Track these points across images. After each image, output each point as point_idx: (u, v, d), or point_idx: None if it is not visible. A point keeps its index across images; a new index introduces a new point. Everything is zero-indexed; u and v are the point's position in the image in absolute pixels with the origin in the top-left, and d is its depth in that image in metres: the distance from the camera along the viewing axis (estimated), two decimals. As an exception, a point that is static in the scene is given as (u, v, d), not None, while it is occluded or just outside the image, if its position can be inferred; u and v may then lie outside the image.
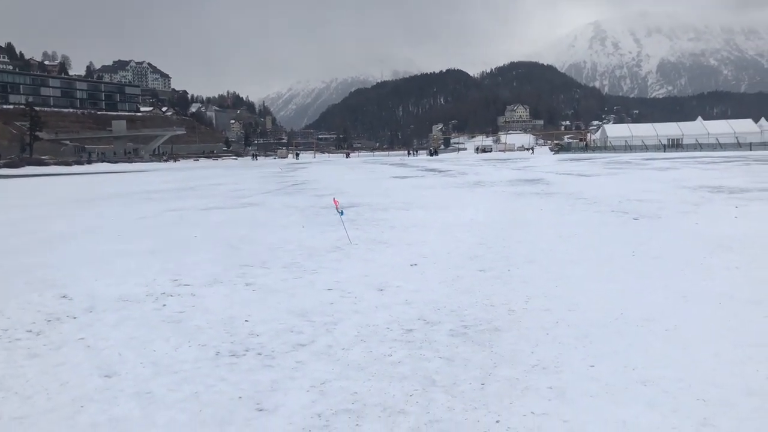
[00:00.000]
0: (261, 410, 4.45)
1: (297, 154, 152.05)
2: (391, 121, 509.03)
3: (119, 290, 8.35)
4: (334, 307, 7.21)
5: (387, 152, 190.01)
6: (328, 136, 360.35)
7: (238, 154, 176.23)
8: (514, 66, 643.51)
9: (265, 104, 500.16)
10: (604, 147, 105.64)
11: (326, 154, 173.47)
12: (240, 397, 4.67)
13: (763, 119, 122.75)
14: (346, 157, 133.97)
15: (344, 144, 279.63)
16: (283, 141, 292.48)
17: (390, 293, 7.83)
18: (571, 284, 8.01)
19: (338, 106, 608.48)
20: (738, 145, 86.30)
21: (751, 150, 75.70)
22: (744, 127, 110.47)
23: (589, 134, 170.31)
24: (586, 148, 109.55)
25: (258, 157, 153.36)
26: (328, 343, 5.89)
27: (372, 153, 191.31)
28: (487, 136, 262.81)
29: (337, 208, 12.79)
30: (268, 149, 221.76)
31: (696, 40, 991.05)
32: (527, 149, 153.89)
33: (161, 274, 9.38)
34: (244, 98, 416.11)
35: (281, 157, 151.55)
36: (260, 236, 13.24)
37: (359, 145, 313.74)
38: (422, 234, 12.96)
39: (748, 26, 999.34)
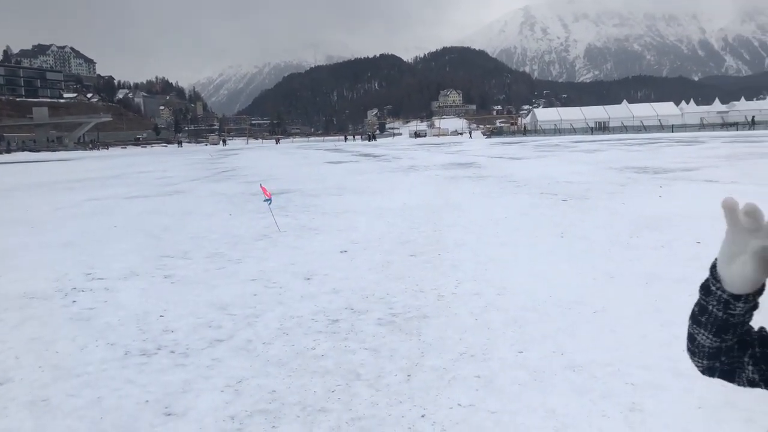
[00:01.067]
0: (169, 414, 4.10)
1: (224, 140, 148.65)
2: (326, 106, 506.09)
3: (25, 286, 7.76)
4: (257, 299, 6.87)
5: (322, 138, 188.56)
6: (262, 121, 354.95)
7: (168, 141, 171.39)
8: (446, 51, 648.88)
9: (196, 90, 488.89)
10: (535, 130, 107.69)
11: (260, 140, 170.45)
12: (147, 401, 4.31)
13: (683, 102, 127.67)
14: (276, 143, 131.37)
15: (278, 130, 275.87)
16: (215, 127, 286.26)
17: (317, 282, 7.54)
18: (501, 267, 7.91)
19: (272, 92, 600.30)
20: (661, 127, 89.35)
21: (672, 132, 78.49)
22: (666, 110, 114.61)
23: (520, 118, 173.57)
24: (522, 132, 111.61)
25: (183, 144, 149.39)
26: (247, 338, 5.56)
27: (307, 139, 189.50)
28: (422, 121, 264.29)
29: (265, 195, 12.36)
30: (199, 136, 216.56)
31: (621, 26, 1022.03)
32: (460, 133, 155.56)
33: (74, 268, 8.80)
34: (174, 84, 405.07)
35: (212, 144, 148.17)
36: (184, 225, 12.69)
37: (297, 130, 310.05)
38: (354, 220, 12.69)
39: (669, 13, 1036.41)
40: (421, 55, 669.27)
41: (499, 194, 16.16)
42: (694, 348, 1.19)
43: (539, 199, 14.77)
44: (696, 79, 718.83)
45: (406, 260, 8.63)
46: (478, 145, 64.07)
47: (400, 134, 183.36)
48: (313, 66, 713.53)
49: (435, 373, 4.59)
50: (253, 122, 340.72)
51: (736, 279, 1.05)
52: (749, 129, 73.82)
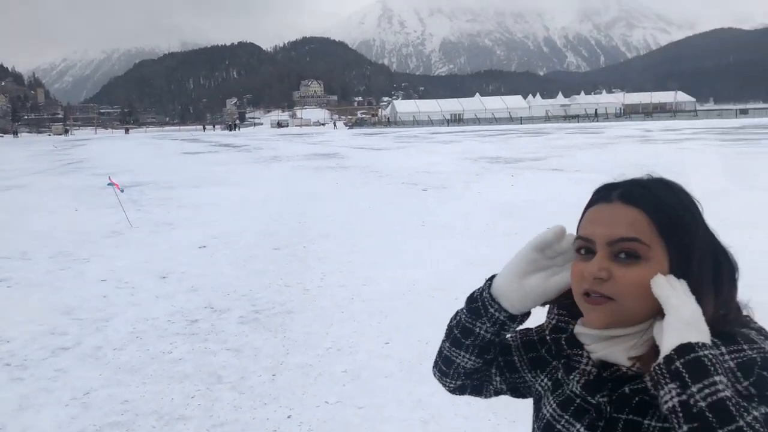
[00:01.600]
0: (3, 437, 3.66)
1: (66, 130, 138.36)
2: (182, 94, 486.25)
3: None
4: (106, 301, 6.37)
5: (179, 127, 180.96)
6: (112, 110, 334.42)
7: (5, 131, 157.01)
8: (306, 41, 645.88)
9: (36, 75, 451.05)
10: (395, 122, 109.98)
11: (110, 131, 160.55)
12: (-24, 424, 3.82)
13: (530, 96, 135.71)
14: (125, 133, 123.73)
15: (130, 119, 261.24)
16: (59, 116, 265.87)
17: (173, 280, 7.13)
18: (366, 257, 7.90)
19: (122, 79, 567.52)
20: (510, 119, 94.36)
21: (521, 123, 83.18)
22: (515, 102, 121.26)
23: (380, 110, 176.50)
24: (384, 123, 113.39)
25: (22, 134, 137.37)
26: (96, 344, 5.12)
27: (162, 128, 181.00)
28: (283, 111, 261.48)
29: (111, 184, 11.45)
30: (41, 125, 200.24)
31: (473, 21, 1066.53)
32: (323, 124, 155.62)
33: None
34: (10, 69, 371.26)
35: (56, 134, 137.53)
36: (23, 222, 11.60)
37: (153, 119, 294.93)
38: (214, 213, 12.21)
39: (516, 10, 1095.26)
40: (281, 44, 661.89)
41: (362, 184, 16.24)
42: (449, 370, 1.18)
43: (401, 189, 15.01)
44: (541, 74, 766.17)
45: (270, 254, 8.40)
46: (340, 135, 64.33)
47: (261, 124, 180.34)
48: (167, 53, 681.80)
49: (301, 371, 4.46)
50: (102, 111, 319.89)
51: (530, 296, 1.06)
52: (592, 121, 79.67)
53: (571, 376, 1.03)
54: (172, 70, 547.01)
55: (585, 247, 0.98)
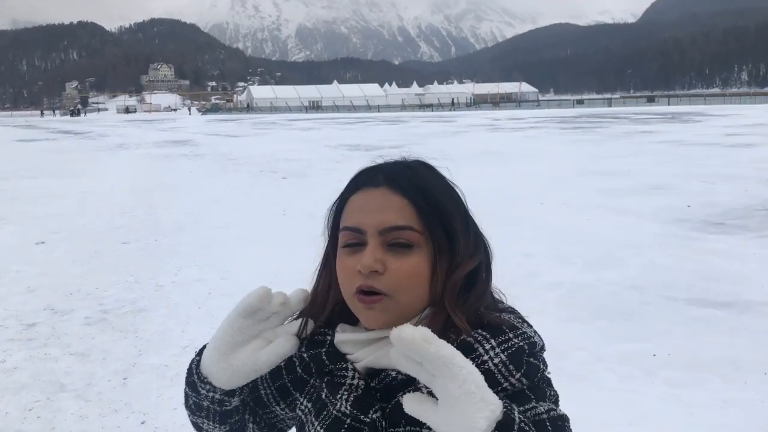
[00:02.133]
0: None
1: None
2: (14, 77, 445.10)
3: None
4: (-75, 307, 5.65)
5: (10, 113, 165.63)
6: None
7: None
8: (155, 23, 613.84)
9: None
10: (251, 108, 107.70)
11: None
12: None
13: (386, 84, 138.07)
14: None
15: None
16: None
17: (7, 281, 6.47)
18: (224, 249, 7.62)
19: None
20: (368, 107, 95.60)
21: (379, 111, 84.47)
22: (372, 91, 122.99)
23: (235, 95, 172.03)
24: (239, 109, 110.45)
25: None
26: None
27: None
28: (131, 96, 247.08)
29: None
30: None
31: (328, 8, 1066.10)
32: (174, 109, 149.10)
33: None
34: None
35: None
36: None
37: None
38: (53, 205, 11.26)
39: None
40: (127, 26, 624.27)
41: (219, 173, 15.70)
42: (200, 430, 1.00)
43: (259, 177, 14.67)
44: (396, 63, 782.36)
45: (118, 249, 7.87)
46: (194, 122, 61.91)
47: (107, 109, 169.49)
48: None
49: (155, 373, 4.19)
50: None
51: (239, 374, 0.89)
52: (450, 110, 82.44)
53: (338, 395, 0.88)
54: (1, 50, 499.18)
55: (352, 240, 0.88)
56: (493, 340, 0.84)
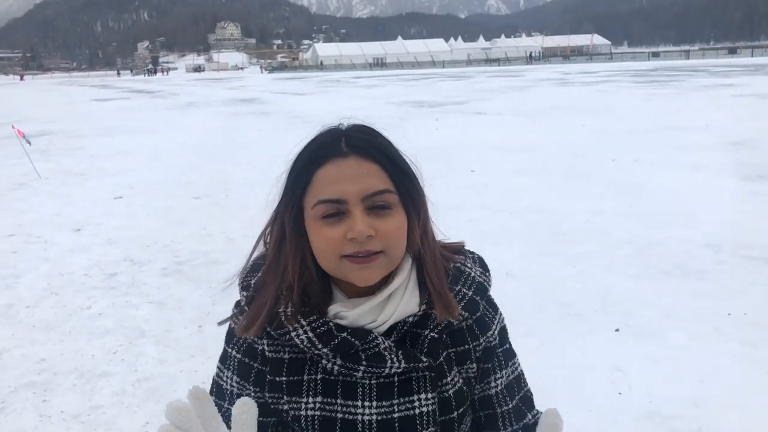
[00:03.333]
0: None
1: None
2: (89, 38, 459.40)
3: None
4: (17, 257, 6.02)
5: (87, 73, 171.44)
6: (12, 55, 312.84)
7: None
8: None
9: None
10: (316, 66, 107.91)
11: (10, 76, 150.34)
12: None
13: (452, 39, 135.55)
14: (21, 79, 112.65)
15: (33, 64, 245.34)
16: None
17: (89, 233, 6.80)
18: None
19: (22, 21, 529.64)
20: (433, 63, 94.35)
21: (444, 67, 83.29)
22: (437, 46, 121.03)
23: (301, 53, 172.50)
24: (305, 67, 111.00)
25: None
26: (7, 302, 4.84)
27: (69, 74, 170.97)
28: (199, 55, 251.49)
29: (21, 137, 10.78)
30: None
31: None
32: (241, 68, 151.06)
33: None
34: None
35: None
36: None
37: (63, 64, 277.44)
38: (128, 162, 11.69)
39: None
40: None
41: (286, 130, 15.89)
42: None
43: (325, 134, 14.77)
44: (462, 17, 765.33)
45: (190, 203, 8.14)
46: (261, 80, 62.61)
47: (176, 68, 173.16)
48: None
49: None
50: (0, 55, 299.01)
51: None
52: (526, 63, 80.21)
53: (386, 363, 0.92)
54: (76, 11, 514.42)
55: (331, 212, 0.90)
56: (468, 260, 1.05)
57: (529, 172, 9.31)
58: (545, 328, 4.03)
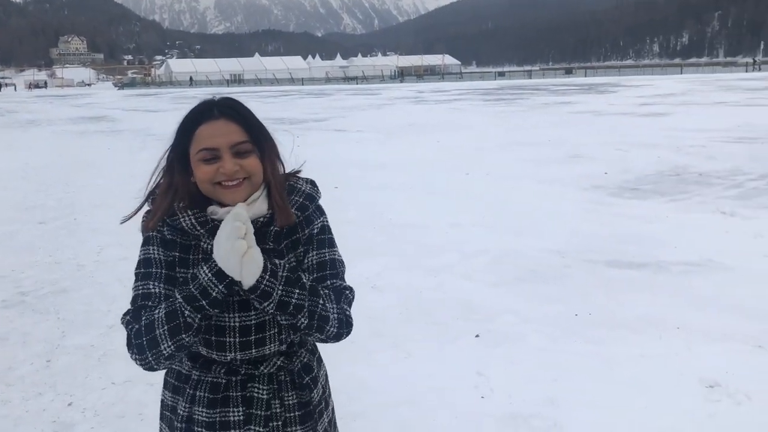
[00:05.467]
0: None
1: None
2: None
3: None
4: None
5: None
6: None
7: None
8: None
9: None
10: (170, 82, 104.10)
11: None
12: None
13: (309, 57, 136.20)
14: None
15: None
16: None
17: None
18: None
19: None
20: (292, 80, 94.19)
21: (303, 85, 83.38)
22: (296, 63, 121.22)
23: (153, 69, 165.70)
24: (158, 83, 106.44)
25: None
26: None
27: None
28: (40, 70, 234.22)
29: None
30: None
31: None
32: (88, 84, 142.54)
33: None
34: None
35: None
36: None
37: None
38: (-41, 186, 10.63)
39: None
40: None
41: (139, 149, 15.18)
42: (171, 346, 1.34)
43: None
44: (319, 35, 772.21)
45: (35, 228, 7.54)
46: (110, 97, 59.41)
47: (14, 84, 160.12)
48: None
49: (81, 353, 4.07)
50: None
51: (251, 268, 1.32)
52: (394, 81, 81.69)
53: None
54: None
55: (208, 156, 1.35)
56: (300, 180, 1.55)
57: (390, 187, 9.53)
58: (411, 338, 4.12)
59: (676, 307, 4.50)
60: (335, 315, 1.42)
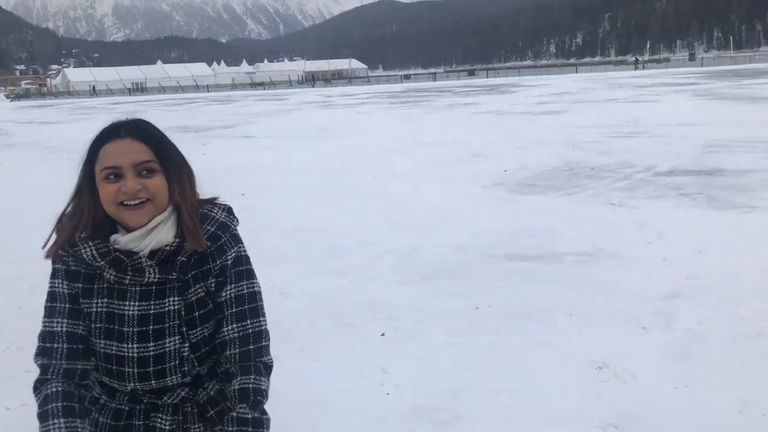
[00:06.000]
0: None
1: None
2: None
3: None
4: None
5: None
6: None
7: None
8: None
9: None
10: (68, 92, 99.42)
11: None
12: None
13: (215, 63, 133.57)
14: None
15: None
16: None
17: None
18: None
19: None
20: (197, 87, 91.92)
21: (208, 92, 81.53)
22: (200, 70, 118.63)
23: (49, 79, 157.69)
24: (54, 94, 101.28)
25: None
26: None
27: None
28: None
29: None
30: None
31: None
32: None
33: None
34: None
35: None
36: None
37: None
38: None
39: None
40: None
41: (34, 163, 14.48)
42: None
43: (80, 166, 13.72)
44: (224, 41, 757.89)
45: None
46: (2, 109, 56.11)
47: None
48: None
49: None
50: None
51: None
52: (310, 86, 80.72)
53: (146, 274, 1.36)
54: None
55: (112, 175, 1.33)
56: (215, 208, 1.48)
57: (299, 192, 9.56)
58: (319, 341, 4.19)
59: (569, 295, 4.77)
60: (264, 388, 1.44)
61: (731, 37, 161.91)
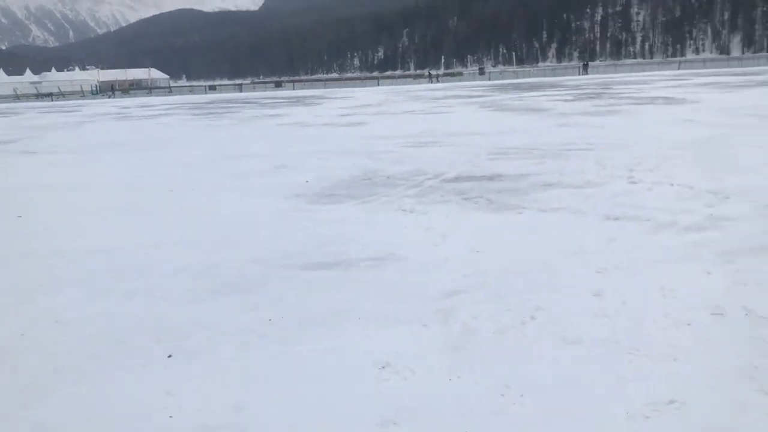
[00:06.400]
0: None
1: None
2: None
3: None
4: None
5: None
6: None
7: None
8: None
9: None
10: None
11: None
12: None
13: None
14: None
15: None
16: None
17: None
18: None
19: None
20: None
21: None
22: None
23: None
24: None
25: None
26: None
27: None
28: None
29: None
30: None
31: None
32: None
33: None
34: None
35: None
36: None
37: None
38: None
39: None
40: None
41: None
42: None
43: None
44: (3, 47, 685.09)
45: None
46: None
47: None
48: None
49: None
50: None
51: None
52: (108, 97, 74.72)
53: None
54: None
55: None
56: None
57: (85, 211, 8.90)
58: (98, 369, 3.92)
59: (360, 299, 4.94)
60: None
61: (514, 53, 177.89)
